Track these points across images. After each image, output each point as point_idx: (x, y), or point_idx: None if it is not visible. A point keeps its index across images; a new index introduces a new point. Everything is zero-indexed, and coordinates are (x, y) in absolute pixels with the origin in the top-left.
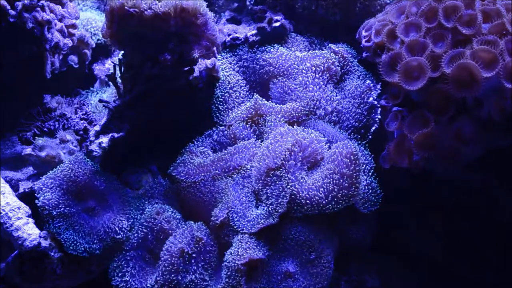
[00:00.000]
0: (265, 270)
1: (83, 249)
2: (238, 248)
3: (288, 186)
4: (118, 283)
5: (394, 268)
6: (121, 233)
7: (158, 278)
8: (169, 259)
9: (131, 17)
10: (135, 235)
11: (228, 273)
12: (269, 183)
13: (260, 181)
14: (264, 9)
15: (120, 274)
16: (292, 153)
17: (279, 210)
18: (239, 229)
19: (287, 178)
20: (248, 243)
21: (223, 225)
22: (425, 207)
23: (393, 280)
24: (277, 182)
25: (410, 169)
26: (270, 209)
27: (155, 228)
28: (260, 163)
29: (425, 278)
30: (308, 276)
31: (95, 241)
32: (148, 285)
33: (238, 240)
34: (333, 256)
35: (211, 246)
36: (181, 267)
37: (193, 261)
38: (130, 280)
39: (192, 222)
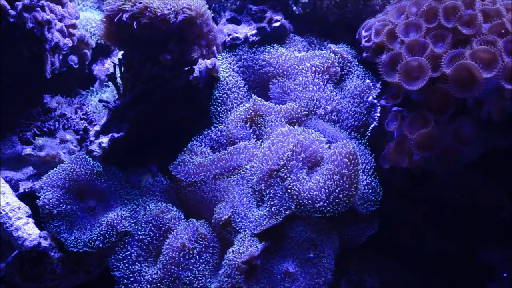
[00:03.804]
0: (266, 270)
1: (83, 243)
2: (240, 246)
3: (291, 187)
4: (121, 274)
5: (394, 268)
6: (123, 229)
7: (159, 271)
8: (170, 253)
9: (130, 18)
10: (139, 231)
11: (228, 271)
12: (272, 184)
13: (263, 182)
14: (264, 9)
15: (122, 266)
16: (294, 153)
17: (284, 212)
18: (241, 230)
19: (289, 179)
20: (250, 241)
21: (226, 224)
22: (425, 207)
23: (393, 280)
24: (280, 183)
25: (410, 169)
26: (273, 209)
27: (161, 227)
28: (263, 164)
29: (425, 278)
30: (308, 276)
31: (95, 236)
32: (149, 276)
33: (240, 238)
34: (333, 256)
35: (214, 243)
36: (181, 261)
37: (196, 257)
38: (132, 273)
39: (194, 219)
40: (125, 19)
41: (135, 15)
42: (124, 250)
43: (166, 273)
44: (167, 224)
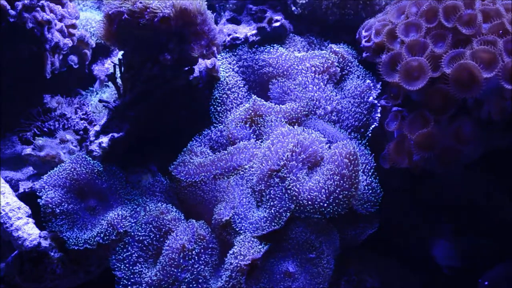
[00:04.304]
0: (266, 270)
1: (83, 241)
2: (241, 248)
3: (290, 187)
4: (122, 275)
5: (394, 268)
6: (123, 228)
7: (158, 272)
8: (170, 254)
9: (130, 18)
10: (140, 232)
11: (229, 273)
12: (272, 185)
13: (263, 182)
14: (264, 9)
15: (123, 267)
16: (294, 153)
17: (285, 214)
18: (241, 231)
19: (289, 179)
20: (251, 242)
21: (226, 225)
22: (425, 207)
23: (393, 280)
24: (280, 184)
25: (410, 169)
26: (273, 211)
27: (161, 228)
28: (263, 164)
29: (425, 278)
30: (308, 276)
31: (96, 233)
32: (148, 278)
33: (240, 240)
34: (333, 256)
35: (214, 244)
36: (181, 263)
37: (195, 258)
38: (132, 274)
39: (194, 220)
40: (124, 19)
41: (135, 15)
42: (124, 250)
43: (165, 275)
44: (167, 225)
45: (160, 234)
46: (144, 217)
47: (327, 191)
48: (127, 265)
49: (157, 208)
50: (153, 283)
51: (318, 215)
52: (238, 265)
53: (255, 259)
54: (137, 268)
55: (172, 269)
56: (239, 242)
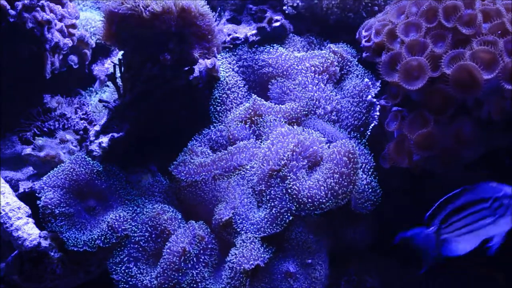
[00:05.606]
0: (267, 270)
1: (82, 243)
2: (243, 249)
3: (291, 186)
4: (119, 278)
5: (394, 268)
6: (123, 230)
7: (159, 276)
8: (170, 258)
9: (130, 17)
10: (137, 233)
11: (232, 274)
12: (272, 185)
13: (264, 182)
14: (264, 9)
15: (121, 270)
16: (294, 153)
17: (286, 215)
18: (242, 232)
19: (290, 179)
20: (253, 243)
21: (227, 225)
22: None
23: (393, 280)
24: (281, 184)
25: (410, 169)
26: (274, 211)
27: (158, 228)
28: (264, 164)
29: (425, 278)
30: (308, 276)
31: (96, 236)
32: (148, 281)
33: (241, 240)
34: (329, 255)
35: (213, 245)
36: (182, 266)
37: (194, 259)
38: (130, 277)
39: (193, 221)
40: (124, 19)
41: (135, 15)
42: (121, 253)
43: (166, 278)
44: (163, 225)
45: (156, 234)
46: (142, 218)
47: (326, 188)
48: (124, 267)
49: (153, 210)
50: (154, 287)
51: (317, 212)
52: (241, 267)
53: (259, 265)
54: (135, 270)
55: (173, 273)
56: (240, 243)
